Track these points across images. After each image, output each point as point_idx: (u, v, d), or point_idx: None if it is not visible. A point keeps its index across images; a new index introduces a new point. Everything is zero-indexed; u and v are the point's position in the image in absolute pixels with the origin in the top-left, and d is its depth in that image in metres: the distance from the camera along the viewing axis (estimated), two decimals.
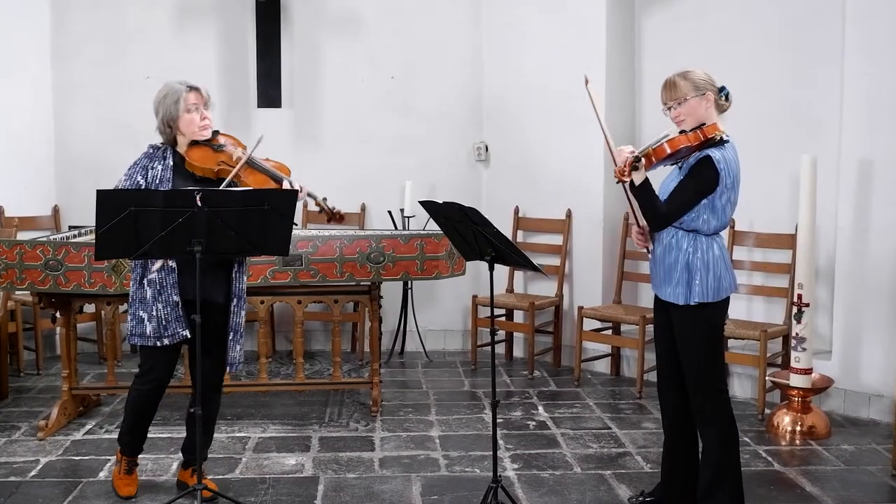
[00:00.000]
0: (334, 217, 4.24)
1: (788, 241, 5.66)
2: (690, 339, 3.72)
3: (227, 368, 4.12)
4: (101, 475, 4.48)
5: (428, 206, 4.01)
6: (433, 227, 4.89)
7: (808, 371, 5.14)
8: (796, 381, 5.14)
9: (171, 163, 3.97)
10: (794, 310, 5.15)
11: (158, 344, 3.95)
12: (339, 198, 7.09)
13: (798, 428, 5.10)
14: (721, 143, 3.65)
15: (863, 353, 5.43)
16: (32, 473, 4.51)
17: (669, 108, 3.75)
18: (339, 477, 4.50)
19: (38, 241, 4.93)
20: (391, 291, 6.91)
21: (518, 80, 7.00)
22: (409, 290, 7.05)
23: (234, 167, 3.94)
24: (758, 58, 5.95)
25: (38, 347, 6.48)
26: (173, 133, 3.98)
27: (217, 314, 4.05)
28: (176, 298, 3.91)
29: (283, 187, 3.96)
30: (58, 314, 5.16)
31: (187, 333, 3.92)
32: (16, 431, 5.14)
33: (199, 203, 3.61)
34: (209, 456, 4.50)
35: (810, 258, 5.12)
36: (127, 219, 3.58)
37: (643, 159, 3.65)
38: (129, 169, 3.98)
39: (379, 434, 5.15)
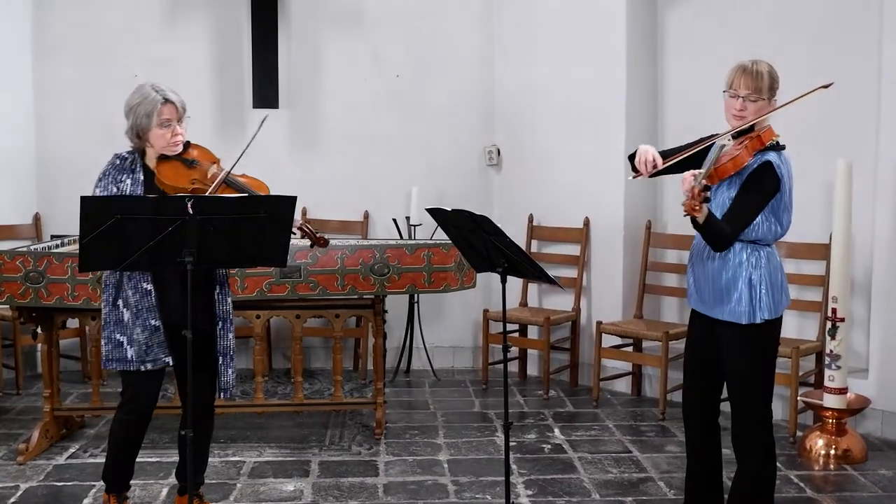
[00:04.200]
0: (318, 242, 4.17)
1: (822, 252, 5.66)
2: (751, 361, 3.65)
3: (221, 395, 4.09)
4: (86, 502, 4.50)
5: (436, 213, 4.01)
6: (441, 236, 4.89)
7: (842, 391, 5.13)
8: (830, 401, 5.13)
9: (141, 177, 3.96)
10: (828, 325, 5.14)
11: (142, 368, 3.94)
12: (341, 205, 7.24)
13: (832, 451, 5.10)
14: (779, 147, 3.58)
15: None
16: (12, 500, 4.52)
17: (738, 98, 3.57)
18: None
19: (17, 252, 4.95)
20: (396, 305, 6.92)
21: (532, 79, 7.01)
22: (416, 304, 7.05)
23: (208, 185, 3.92)
24: (787, 56, 5.92)
25: (17, 365, 6.49)
26: (142, 143, 3.96)
27: (202, 337, 4.01)
28: (155, 322, 3.91)
29: None
30: (39, 330, 5.19)
31: (170, 360, 3.94)
32: None
33: (190, 210, 3.62)
34: (205, 481, 4.51)
35: (845, 270, 5.12)
36: (113, 227, 3.60)
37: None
38: (101, 180, 3.96)
39: (383, 458, 5.16)
